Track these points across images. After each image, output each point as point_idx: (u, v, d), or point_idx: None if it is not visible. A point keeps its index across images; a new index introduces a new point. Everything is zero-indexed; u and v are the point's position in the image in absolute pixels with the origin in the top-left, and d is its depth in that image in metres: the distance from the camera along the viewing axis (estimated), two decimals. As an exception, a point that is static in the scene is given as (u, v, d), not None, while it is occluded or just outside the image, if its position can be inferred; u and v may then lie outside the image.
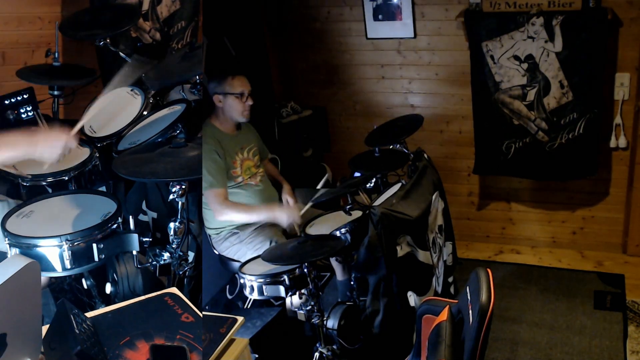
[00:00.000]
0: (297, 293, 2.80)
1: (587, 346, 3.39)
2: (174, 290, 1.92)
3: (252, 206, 3.22)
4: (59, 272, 2.25)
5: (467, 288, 2.11)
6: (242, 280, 2.85)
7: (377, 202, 3.12)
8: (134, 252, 2.40)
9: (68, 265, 2.22)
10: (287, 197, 3.37)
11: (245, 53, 3.92)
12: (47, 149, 2.19)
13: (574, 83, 3.74)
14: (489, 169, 4.17)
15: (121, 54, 3.17)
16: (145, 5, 3.52)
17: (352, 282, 3.23)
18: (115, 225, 2.33)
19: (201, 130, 3.15)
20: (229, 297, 3.51)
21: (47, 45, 3.31)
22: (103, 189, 2.83)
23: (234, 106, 3.19)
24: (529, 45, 3.74)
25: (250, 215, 3.17)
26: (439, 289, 3.34)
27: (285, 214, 3.11)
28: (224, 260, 3.27)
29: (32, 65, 3.30)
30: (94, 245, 2.25)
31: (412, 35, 4.17)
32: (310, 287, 2.78)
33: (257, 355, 2.91)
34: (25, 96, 3.08)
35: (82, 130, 2.93)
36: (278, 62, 4.55)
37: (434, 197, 3.33)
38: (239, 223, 3.21)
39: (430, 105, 4.32)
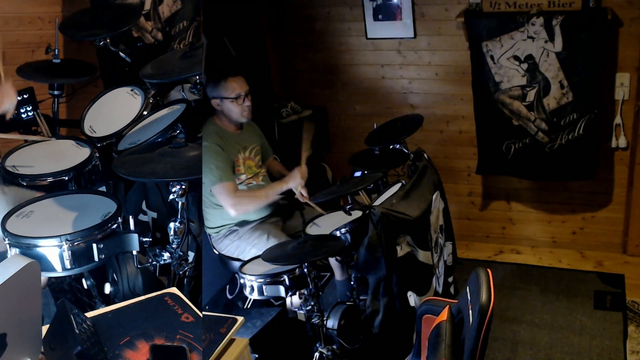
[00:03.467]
0: (297, 293, 2.80)
1: (587, 346, 3.39)
2: (174, 290, 1.91)
3: (262, 188, 3.22)
4: (59, 272, 2.25)
5: (467, 288, 2.11)
6: (242, 280, 2.85)
7: (377, 202, 3.12)
8: (134, 252, 2.40)
9: (68, 265, 2.22)
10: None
11: (245, 53, 3.92)
12: None
13: (574, 83, 3.74)
14: (490, 169, 4.16)
15: (121, 54, 3.17)
16: (147, 5, 3.52)
17: (352, 282, 3.23)
18: (115, 225, 2.32)
19: (201, 131, 3.15)
20: (229, 297, 3.51)
21: (47, 46, 3.31)
22: (103, 189, 2.83)
23: (232, 109, 3.17)
24: (529, 45, 3.74)
25: (266, 193, 3.18)
26: (440, 289, 3.35)
27: (293, 176, 3.16)
28: (224, 260, 3.27)
29: (32, 62, 3.29)
30: (94, 245, 2.25)
31: (412, 35, 4.17)
32: (310, 287, 2.78)
33: (257, 355, 2.91)
34: (25, 96, 3.08)
35: (82, 130, 2.95)
36: (278, 62, 4.55)
37: (434, 197, 3.32)
38: (240, 219, 3.22)
39: (430, 105, 4.32)
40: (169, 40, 3.65)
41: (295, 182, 3.16)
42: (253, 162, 3.31)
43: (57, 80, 3.12)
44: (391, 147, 3.59)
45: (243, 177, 3.23)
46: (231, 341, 1.95)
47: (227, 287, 3.55)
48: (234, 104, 3.15)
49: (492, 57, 3.84)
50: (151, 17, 3.55)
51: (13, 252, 2.21)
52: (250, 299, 3.29)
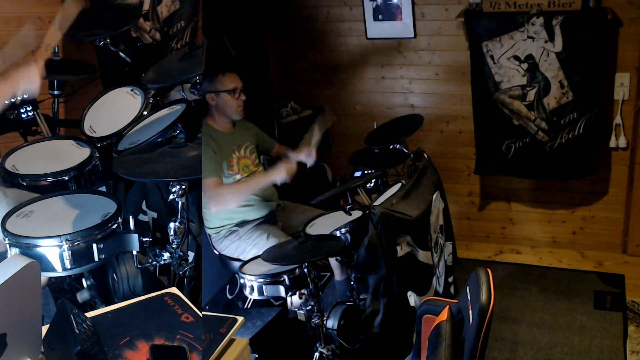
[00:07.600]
0: (297, 293, 2.80)
1: (587, 346, 3.39)
2: (174, 290, 1.91)
3: (246, 179, 3.19)
4: (59, 272, 2.25)
5: (467, 288, 2.11)
6: (242, 280, 2.85)
7: (377, 202, 3.12)
8: (134, 252, 2.40)
9: (68, 265, 2.22)
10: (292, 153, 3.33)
11: (245, 53, 3.92)
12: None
13: (574, 83, 3.74)
14: (489, 169, 4.16)
15: (121, 54, 3.17)
16: (146, 5, 3.52)
17: (352, 282, 3.23)
18: (115, 225, 2.32)
19: (201, 131, 3.15)
20: (229, 297, 3.51)
21: (46, 46, 3.30)
22: (103, 189, 2.83)
23: (227, 103, 3.18)
24: (529, 45, 3.74)
25: (249, 184, 3.14)
26: (440, 289, 3.35)
27: (281, 168, 3.06)
28: (224, 260, 3.27)
29: (32, 60, 3.29)
30: (94, 245, 2.25)
31: (412, 35, 4.17)
32: (310, 287, 2.78)
33: (257, 355, 2.91)
34: (25, 96, 3.08)
35: (82, 130, 2.94)
36: (278, 62, 4.55)
37: (434, 197, 3.33)
38: (239, 220, 3.21)
39: (430, 105, 4.32)
40: (167, 40, 3.66)
41: (280, 178, 3.04)
42: (250, 160, 3.31)
43: (57, 77, 3.12)
44: (391, 146, 3.59)
45: (238, 176, 3.23)
46: (231, 341, 1.95)
47: (227, 287, 3.55)
48: (229, 97, 3.17)
49: (492, 57, 3.84)
50: (150, 17, 3.55)
51: (13, 252, 2.21)
52: (250, 299, 3.29)
